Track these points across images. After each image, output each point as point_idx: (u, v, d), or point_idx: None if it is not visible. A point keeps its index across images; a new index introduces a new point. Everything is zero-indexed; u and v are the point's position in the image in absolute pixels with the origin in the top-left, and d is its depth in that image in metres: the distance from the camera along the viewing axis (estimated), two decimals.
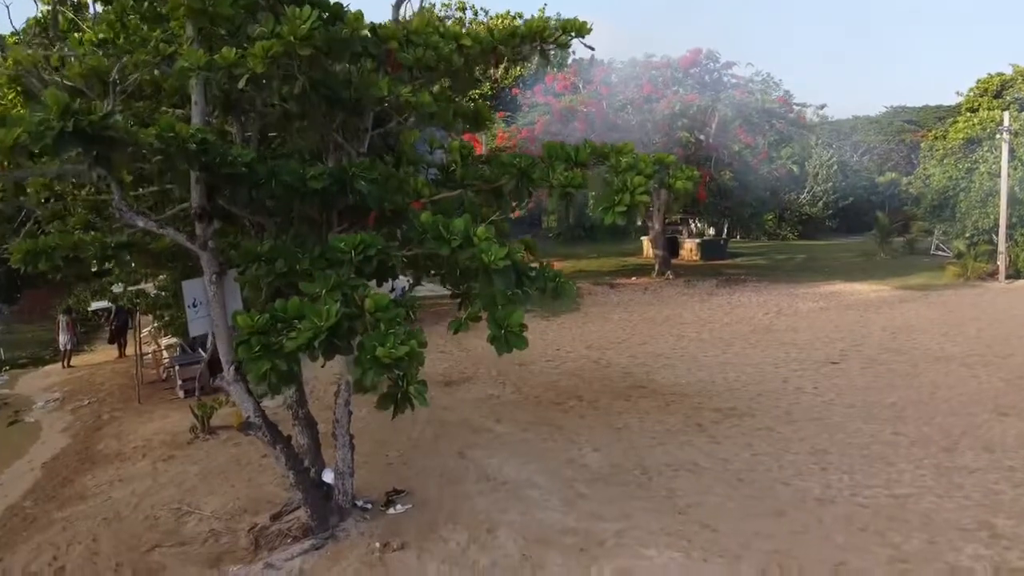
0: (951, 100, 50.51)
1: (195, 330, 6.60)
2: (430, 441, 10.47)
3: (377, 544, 7.34)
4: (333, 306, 4.86)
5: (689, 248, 35.77)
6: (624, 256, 36.66)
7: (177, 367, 14.18)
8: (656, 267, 27.80)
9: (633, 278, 27.17)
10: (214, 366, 14.40)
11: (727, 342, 16.44)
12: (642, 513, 7.90)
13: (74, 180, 7.01)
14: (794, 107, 23.22)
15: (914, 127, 63.22)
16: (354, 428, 7.95)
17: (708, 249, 35.44)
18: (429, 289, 21.95)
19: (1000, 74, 39.39)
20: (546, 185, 6.07)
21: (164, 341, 15.85)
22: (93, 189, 7.25)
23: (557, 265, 25.27)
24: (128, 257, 7.09)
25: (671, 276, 27.16)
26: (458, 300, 7.42)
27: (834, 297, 23.12)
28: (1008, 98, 39.52)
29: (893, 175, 53.87)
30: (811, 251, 37.71)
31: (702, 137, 23.45)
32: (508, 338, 5.63)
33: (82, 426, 12.80)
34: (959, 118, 42.08)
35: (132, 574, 7.39)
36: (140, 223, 6.07)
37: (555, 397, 12.43)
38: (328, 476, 8.00)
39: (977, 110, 38.35)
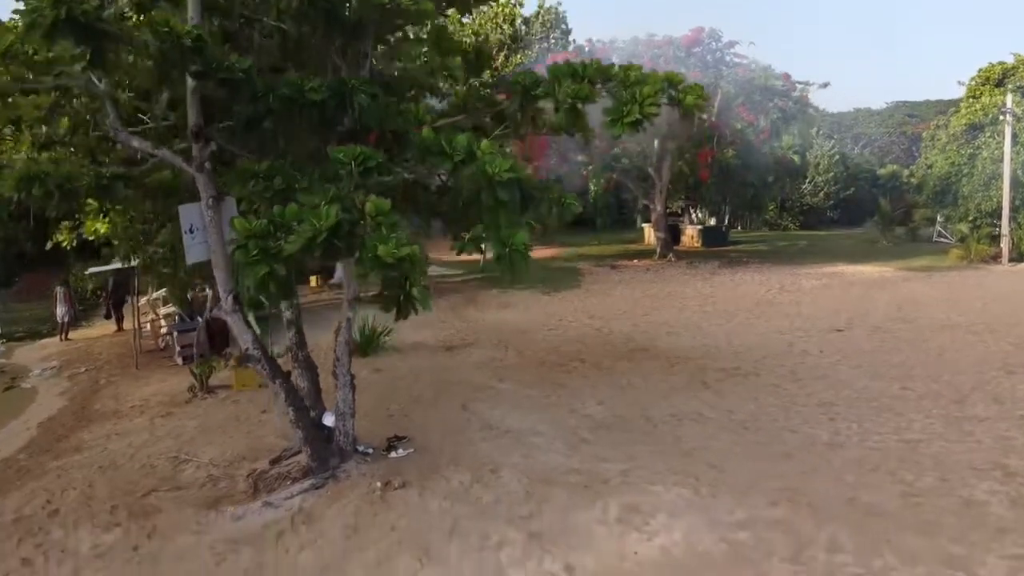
0: (951, 95, 50.42)
1: (192, 257, 6.45)
2: (432, 397, 10.32)
3: (378, 483, 7.20)
4: (333, 207, 4.72)
5: (690, 235, 35.62)
6: (626, 243, 36.51)
7: (175, 334, 14.04)
8: (658, 250, 27.64)
9: (635, 260, 26.99)
10: (212, 334, 14.30)
11: (731, 314, 16.29)
12: (647, 456, 7.76)
13: (69, 110, 6.85)
14: (796, 85, 23.04)
15: (915, 120, 63.17)
16: (356, 386, 7.82)
17: (709, 236, 35.28)
18: (431, 269, 21.69)
19: (1001, 63, 39.29)
20: (551, 102, 5.91)
21: (162, 311, 15.71)
22: (89, 121, 7.09)
23: (557, 251, 25.06)
24: (123, 192, 6.92)
25: (673, 258, 27.00)
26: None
27: (837, 276, 22.94)
28: (1011, 86, 39.34)
29: (894, 167, 53.72)
30: (813, 239, 37.57)
31: (704, 116, 23.26)
32: (512, 257, 5.45)
33: (79, 390, 12.66)
34: (961, 104, 42.01)
35: (128, 516, 7.22)
36: (135, 143, 5.93)
37: (558, 360, 12.29)
38: (328, 419, 7.85)
39: (979, 98, 38.28)
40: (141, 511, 7.31)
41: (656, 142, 25.14)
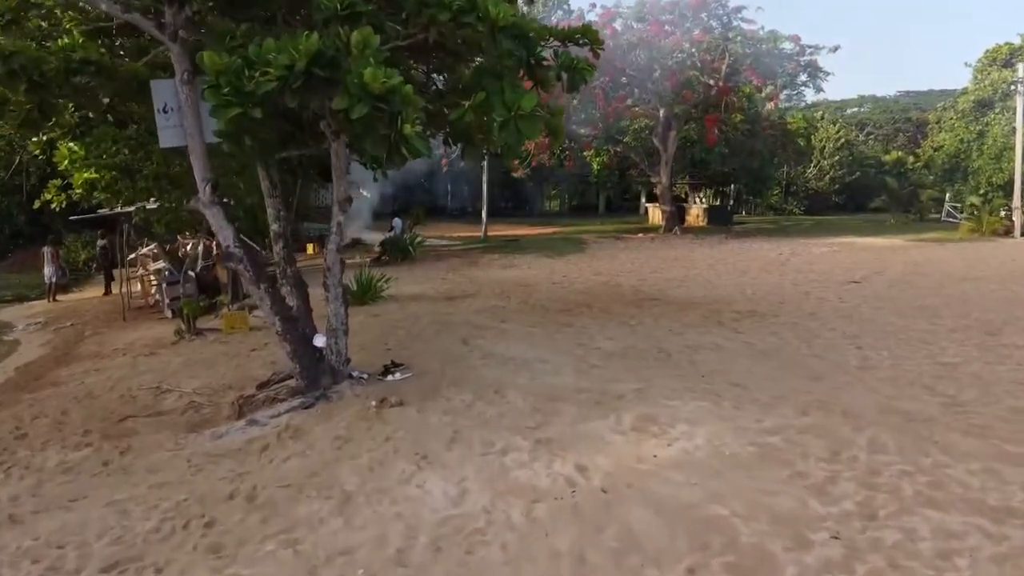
0: (953, 85, 49.97)
1: (165, 141, 5.86)
2: (431, 335, 9.74)
3: (373, 402, 6.63)
4: (313, 35, 4.15)
5: (695, 214, 34.98)
6: (626, 224, 35.94)
7: (164, 286, 13.49)
8: (663, 224, 27.04)
9: (639, 235, 26.42)
10: (203, 286, 13.75)
11: (741, 271, 15.72)
12: (663, 378, 7.20)
13: None
14: (806, 48, 22.42)
15: (919, 109, 62.58)
16: (350, 330, 7.28)
17: (714, 215, 34.70)
18: (431, 242, 21.09)
19: (1008, 43, 38.70)
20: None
21: (152, 266, 15.15)
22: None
23: (560, 229, 24.46)
24: (94, 80, 6.33)
25: (679, 232, 26.42)
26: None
27: (847, 246, 22.35)
28: (1019, 65, 38.80)
29: (899, 154, 53.14)
30: (819, 221, 36.98)
31: (711, 81, 22.65)
32: (519, 123, 4.88)
33: (62, 340, 12.10)
34: (969, 83, 41.47)
35: (101, 438, 6.67)
36: (103, 5, 5.35)
37: (563, 307, 11.71)
38: (320, 341, 7.26)
39: (988, 76, 37.72)
40: (116, 434, 6.77)
41: (661, 111, 24.54)
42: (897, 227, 32.35)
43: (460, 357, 8.32)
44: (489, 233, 25.35)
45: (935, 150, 44.78)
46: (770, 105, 25.27)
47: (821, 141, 47.89)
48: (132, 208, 12.96)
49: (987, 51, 39.75)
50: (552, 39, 5.81)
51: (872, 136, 61.50)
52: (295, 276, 7.50)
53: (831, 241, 23.44)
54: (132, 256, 15.67)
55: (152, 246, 15.24)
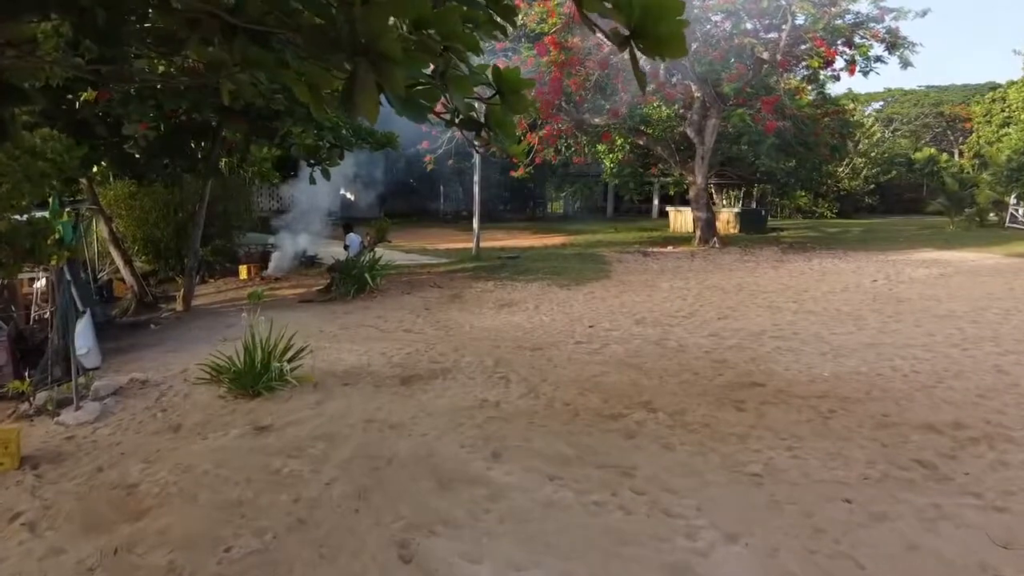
0: (976, 79, 45.53)
1: None
2: (335, 522, 4.60)
3: None
4: None
5: (726, 219, 29.81)
6: (647, 230, 30.86)
7: None
8: (697, 234, 21.93)
9: (669, 247, 21.32)
10: (25, 350, 8.75)
11: (854, 316, 10.60)
12: None
13: None
14: (885, 13, 17.33)
15: (949, 102, 57.87)
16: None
17: (747, 220, 29.62)
18: (408, 258, 15.84)
19: None
20: None
21: None
22: None
23: (569, 238, 19.19)
24: None
25: (718, 244, 21.32)
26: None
27: (944, 264, 17.25)
28: None
29: (931, 151, 48.21)
30: (862, 227, 31.91)
31: (765, 56, 17.58)
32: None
33: None
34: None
35: None
36: None
37: (602, 405, 6.60)
38: None
39: None
40: None
41: (698, 93, 19.41)
42: (958, 235, 27.25)
43: None
44: (483, 244, 20.22)
45: (990, 144, 39.85)
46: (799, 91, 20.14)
47: (856, 137, 42.85)
48: None
49: None
50: None
51: (898, 132, 56.76)
52: None
53: (917, 258, 18.36)
54: None
55: None
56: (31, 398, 7.20)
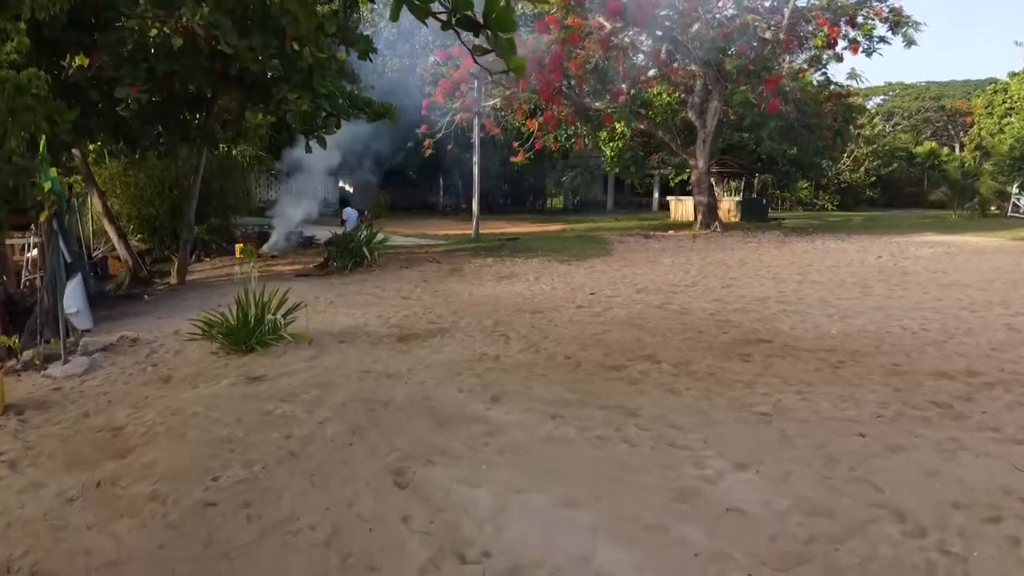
0: (976, 76, 45.41)
1: None
2: (328, 452, 4.41)
3: None
4: None
5: (727, 208, 29.63)
6: (645, 220, 30.69)
7: None
8: (699, 218, 21.75)
9: (670, 232, 21.14)
10: (13, 313, 8.57)
11: (860, 284, 10.42)
12: None
13: None
14: None
15: (950, 96, 57.80)
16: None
17: (748, 209, 29.42)
18: (408, 241, 15.68)
19: None
20: None
21: None
22: None
23: (569, 226, 19.03)
24: None
25: (719, 228, 21.14)
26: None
27: (947, 245, 17.06)
28: None
29: (932, 144, 48.03)
30: (864, 217, 31.76)
31: (768, 35, 17.39)
32: None
33: None
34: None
35: None
36: None
37: (604, 357, 6.42)
38: None
39: None
40: None
41: (701, 76, 19.23)
42: (961, 223, 27.08)
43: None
44: (483, 230, 20.05)
45: (992, 135, 39.67)
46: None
47: (856, 128, 42.65)
48: None
49: None
50: None
51: (899, 127, 56.59)
52: None
53: (921, 239, 18.17)
54: None
55: None
56: (18, 354, 7.03)
